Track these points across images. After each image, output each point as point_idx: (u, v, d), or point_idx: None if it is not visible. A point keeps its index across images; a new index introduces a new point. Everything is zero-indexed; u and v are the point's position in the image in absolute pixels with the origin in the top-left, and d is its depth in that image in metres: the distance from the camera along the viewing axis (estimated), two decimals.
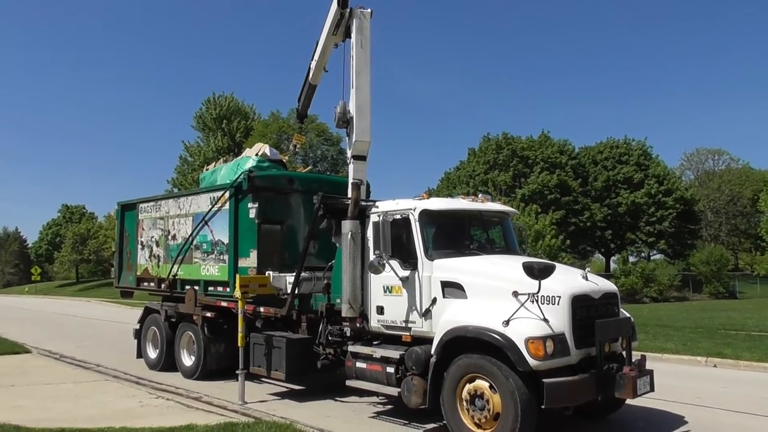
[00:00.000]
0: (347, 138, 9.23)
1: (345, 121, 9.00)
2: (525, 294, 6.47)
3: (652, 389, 6.99)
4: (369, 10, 9.26)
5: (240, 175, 10.17)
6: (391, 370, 7.54)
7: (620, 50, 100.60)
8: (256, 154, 11.45)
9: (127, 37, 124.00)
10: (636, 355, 7.06)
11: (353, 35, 9.10)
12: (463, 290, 7.06)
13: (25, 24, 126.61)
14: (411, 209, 7.74)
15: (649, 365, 7.13)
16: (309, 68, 10.76)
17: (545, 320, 6.35)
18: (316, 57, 10.34)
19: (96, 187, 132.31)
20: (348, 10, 9.20)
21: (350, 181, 8.99)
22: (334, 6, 9.25)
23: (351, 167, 9.05)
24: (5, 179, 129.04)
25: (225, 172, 11.62)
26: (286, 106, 54.32)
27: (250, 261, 9.88)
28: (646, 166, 49.66)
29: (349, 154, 9.15)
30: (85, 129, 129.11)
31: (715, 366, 12.20)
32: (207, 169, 13.53)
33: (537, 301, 6.45)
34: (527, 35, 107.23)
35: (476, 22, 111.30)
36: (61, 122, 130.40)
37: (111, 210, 54.72)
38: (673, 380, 10.01)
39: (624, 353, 6.96)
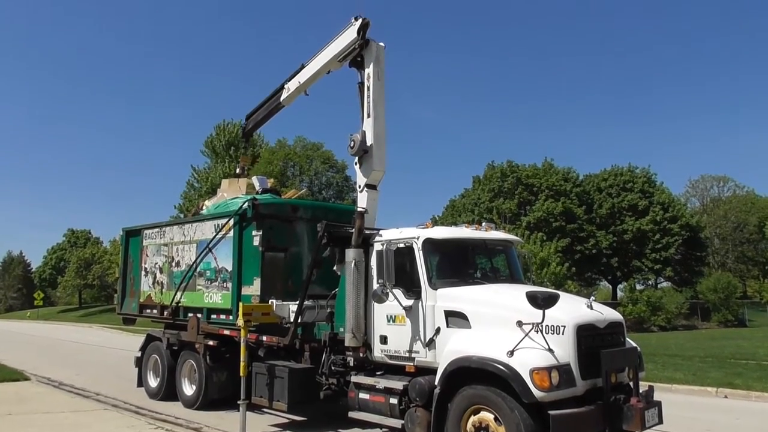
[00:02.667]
0: (356, 166, 9.13)
1: (364, 150, 8.95)
2: (529, 324, 6.39)
3: (660, 421, 6.85)
4: (383, 44, 9.27)
5: (244, 202, 10.19)
6: (394, 401, 7.43)
7: (621, 75, 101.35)
8: (244, 192, 11.33)
9: (136, 59, 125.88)
10: (644, 386, 6.93)
11: (371, 67, 9.05)
12: (467, 320, 6.99)
13: (34, 43, 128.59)
14: (414, 238, 7.71)
15: (657, 396, 7.01)
16: (283, 88, 10.79)
17: (550, 350, 6.27)
18: (302, 79, 10.33)
19: (104, 212, 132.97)
20: (364, 41, 9.14)
21: (358, 208, 8.89)
22: (351, 34, 9.19)
23: (363, 195, 8.94)
24: (12, 202, 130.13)
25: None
26: (291, 134, 54.99)
27: (253, 289, 9.84)
28: (651, 194, 49.69)
29: (361, 182, 9.04)
30: (94, 153, 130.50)
31: (726, 397, 11.99)
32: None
33: (541, 330, 6.36)
34: (528, 61, 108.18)
35: (479, 48, 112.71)
36: (71, 146, 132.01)
37: (117, 235, 54.84)
38: (683, 412, 9.82)
39: (631, 384, 6.85)
